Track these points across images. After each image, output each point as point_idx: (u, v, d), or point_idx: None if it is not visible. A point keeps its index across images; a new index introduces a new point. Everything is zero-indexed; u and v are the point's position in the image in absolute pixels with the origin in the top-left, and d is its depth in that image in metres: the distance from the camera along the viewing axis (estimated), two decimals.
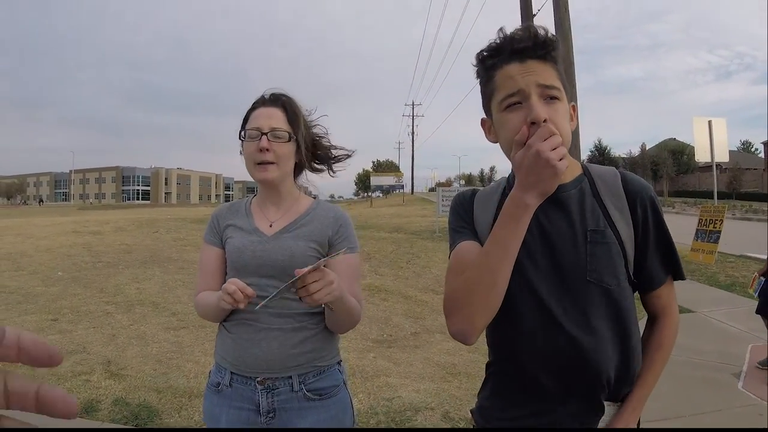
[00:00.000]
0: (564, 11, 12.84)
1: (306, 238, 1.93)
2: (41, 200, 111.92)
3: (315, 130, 2.08)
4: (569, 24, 12.90)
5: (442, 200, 18.89)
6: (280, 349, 1.85)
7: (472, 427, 1.67)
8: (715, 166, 10.80)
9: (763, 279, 5.54)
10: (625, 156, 70.54)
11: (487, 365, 1.66)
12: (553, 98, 1.36)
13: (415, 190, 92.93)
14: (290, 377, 1.88)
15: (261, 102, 2.00)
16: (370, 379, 5.05)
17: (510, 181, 1.57)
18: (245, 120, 2.00)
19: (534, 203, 1.32)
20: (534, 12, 14.25)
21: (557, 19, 12.93)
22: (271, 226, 1.97)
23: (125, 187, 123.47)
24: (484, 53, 1.45)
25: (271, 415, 1.88)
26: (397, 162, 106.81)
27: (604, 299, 1.41)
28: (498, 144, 1.50)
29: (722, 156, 10.54)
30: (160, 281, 9.32)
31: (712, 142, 10.36)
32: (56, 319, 6.85)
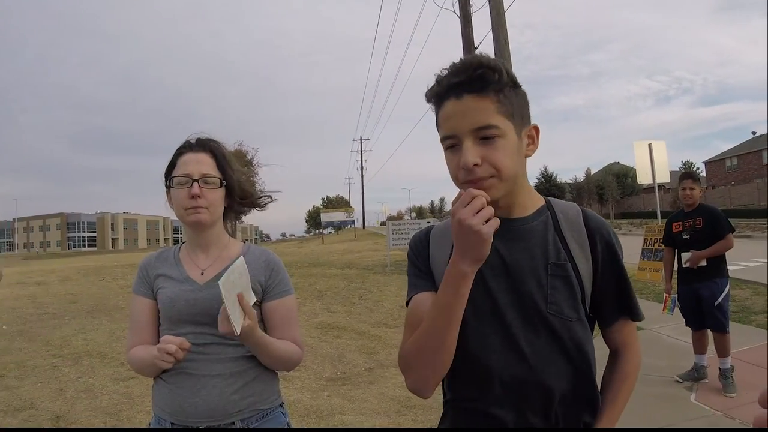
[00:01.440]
0: (504, 43, 13.14)
1: None
2: None
3: (239, 176, 2.06)
4: (509, 56, 13.22)
5: (393, 234, 19.00)
6: (221, 396, 1.82)
7: None
8: (656, 187, 11.09)
9: (675, 296, 5.86)
10: (570, 181, 71.99)
11: (445, 401, 1.62)
12: (489, 137, 1.34)
13: (366, 225, 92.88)
14: (233, 423, 1.85)
15: (188, 147, 1.98)
16: (325, 418, 5.04)
17: None
18: (171, 165, 1.97)
19: (470, 270, 1.30)
20: (476, 45, 14.61)
21: (497, 50, 13.24)
22: (202, 273, 1.95)
23: (71, 234, 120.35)
24: (428, 88, 1.44)
25: None
26: (347, 197, 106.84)
27: (564, 332, 1.42)
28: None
29: (663, 177, 10.83)
30: (108, 330, 9.13)
31: (653, 164, 10.65)
32: (2, 375, 6.66)
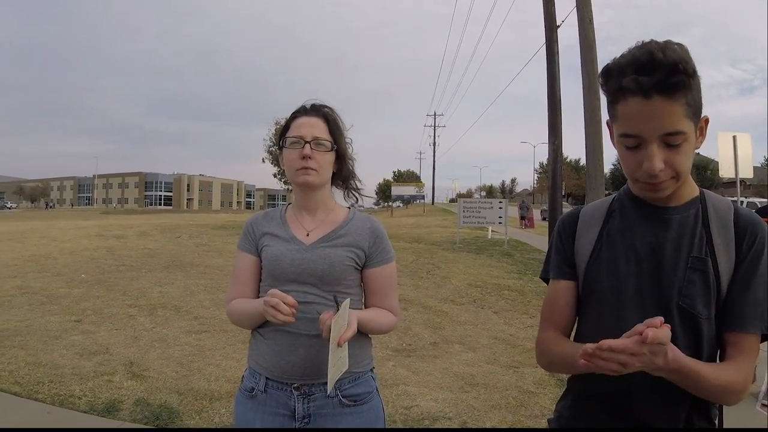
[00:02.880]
0: (588, 23, 12.82)
1: (344, 247, 1.95)
2: (49, 205, 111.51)
3: (349, 151, 2.10)
4: (594, 35, 12.87)
5: (463, 211, 18.89)
6: (317, 355, 1.85)
7: None
8: (738, 182, 10.63)
9: None
10: None
11: (569, 378, 1.67)
12: (674, 145, 1.32)
13: (435, 201, 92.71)
14: (326, 383, 1.83)
15: (302, 111, 2.01)
16: (389, 387, 5.06)
17: (620, 199, 1.59)
18: (285, 128, 2.02)
19: None
20: (558, 24, 14.27)
21: (581, 30, 12.92)
22: (308, 235, 1.98)
23: (148, 193, 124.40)
24: (609, 70, 1.37)
25: (306, 420, 1.89)
26: (418, 172, 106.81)
27: (691, 327, 1.40)
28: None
29: (746, 172, 10.38)
30: (183, 285, 9.41)
31: (737, 158, 10.20)
32: (79, 320, 6.96)
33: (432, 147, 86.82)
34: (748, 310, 1.37)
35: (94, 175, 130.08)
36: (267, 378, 1.91)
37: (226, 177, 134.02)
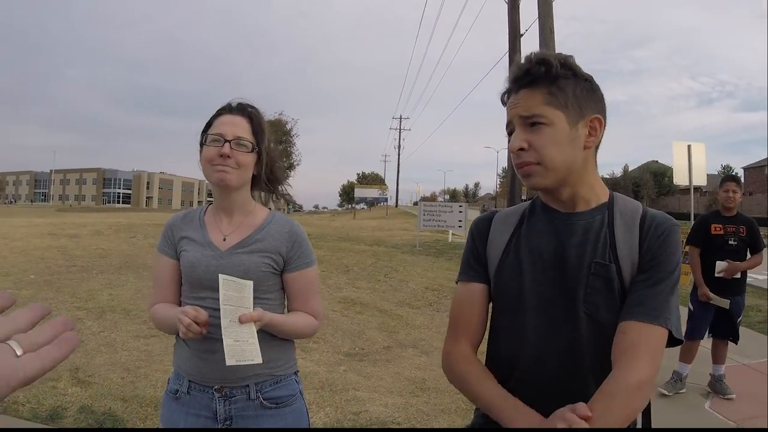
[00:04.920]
0: (549, 33, 13.02)
1: (260, 253, 1.94)
2: (10, 201, 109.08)
3: (273, 153, 2.09)
4: (554, 45, 13.06)
5: (424, 215, 19.00)
6: None
7: None
8: (692, 189, 10.87)
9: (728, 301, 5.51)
10: (608, 176, 71.36)
11: None
12: (536, 124, 1.43)
13: (399, 203, 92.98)
14: (247, 386, 1.91)
15: (227, 109, 2.01)
16: (339, 392, 5.05)
17: (532, 205, 1.64)
18: (208, 125, 2.01)
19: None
20: (522, 32, 14.46)
21: (542, 40, 13.10)
22: (225, 240, 1.97)
23: (106, 190, 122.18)
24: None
25: (228, 422, 1.92)
26: (382, 175, 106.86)
27: (597, 334, 1.42)
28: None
29: (700, 179, 10.62)
30: (134, 288, 9.25)
31: (691, 166, 10.44)
32: None
33: (397, 150, 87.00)
34: (646, 303, 1.37)
35: (51, 170, 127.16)
36: (190, 381, 1.94)
37: (188, 175, 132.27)
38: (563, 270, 1.46)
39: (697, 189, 10.49)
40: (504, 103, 1.53)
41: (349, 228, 30.10)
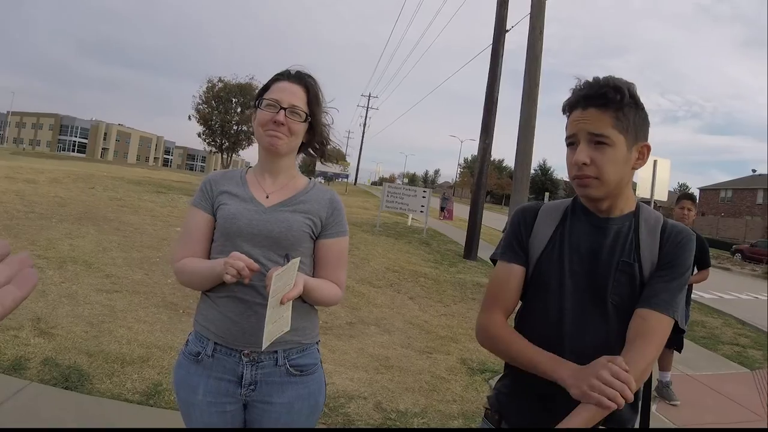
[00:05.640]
0: (538, 34, 13.10)
1: (303, 214, 1.95)
2: None
3: (324, 120, 2.09)
4: (541, 47, 13.14)
5: (387, 196, 19.04)
6: None
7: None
8: (653, 203, 11.01)
9: None
10: (567, 180, 72.41)
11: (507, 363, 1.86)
12: (601, 143, 1.60)
13: (358, 182, 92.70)
14: (276, 352, 1.91)
15: (285, 76, 2.00)
16: None
17: (573, 205, 1.82)
18: (265, 88, 2.00)
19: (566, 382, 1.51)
20: (508, 28, 14.50)
21: (530, 40, 13.19)
22: (267, 197, 1.97)
23: (62, 137, 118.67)
24: (568, 98, 1.69)
25: (252, 387, 1.92)
26: (344, 151, 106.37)
27: (621, 319, 1.63)
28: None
29: (661, 195, 10.75)
30: (95, 240, 9.10)
31: (654, 180, 10.57)
32: None
33: (362, 128, 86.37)
34: (660, 295, 1.61)
35: (8, 112, 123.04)
36: (216, 343, 1.91)
37: (146, 130, 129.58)
38: (596, 265, 1.68)
39: (655, 203, 10.65)
40: (565, 112, 1.70)
41: None
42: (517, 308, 1.87)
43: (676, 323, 1.61)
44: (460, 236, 17.80)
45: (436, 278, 10.78)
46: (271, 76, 2.03)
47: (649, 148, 1.69)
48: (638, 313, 1.60)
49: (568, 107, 1.68)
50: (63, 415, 3.61)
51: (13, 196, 12.18)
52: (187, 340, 2.02)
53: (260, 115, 1.94)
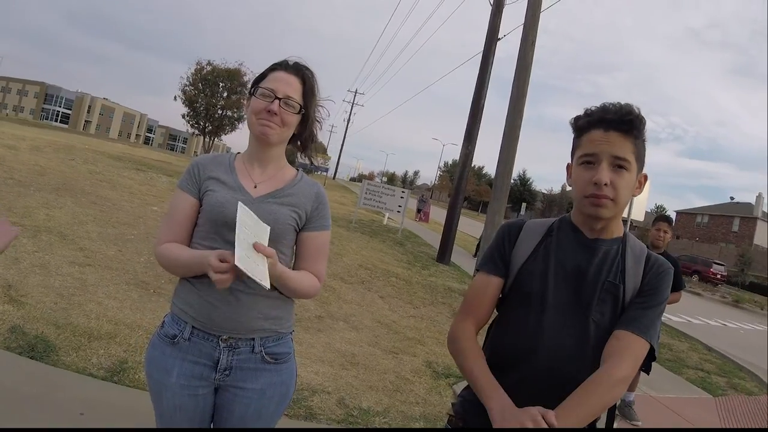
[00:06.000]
0: (530, 45, 13.18)
1: (290, 207, 1.97)
2: None
3: (317, 115, 2.11)
4: (532, 58, 13.22)
5: (366, 193, 19.08)
6: (249, 312, 1.90)
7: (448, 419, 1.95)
8: (629, 223, 11.11)
9: None
10: (545, 191, 72.54)
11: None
12: (621, 167, 1.65)
13: (337, 177, 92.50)
14: (253, 339, 1.94)
15: (283, 66, 2.01)
16: None
17: (560, 223, 1.87)
18: (261, 77, 2.01)
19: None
20: (499, 37, 14.58)
21: (522, 51, 13.26)
22: (255, 187, 1.98)
23: (46, 106, 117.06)
24: (580, 116, 1.75)
25: (227, 372, 1.94)
26: (326, 144, 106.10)
27: (600, 337, 1.69)
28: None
29: (639, 214, 10.78)
30: (71, 212, 9.04)
31: (633, 200, 10.68)
32: None
33: (345, 123, 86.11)
34: (640, 320, 1.67)
35: None
36: (194, 327, 1.92)
37: (130, 107, 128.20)
38: (581, 282, 1.73)
39: (631, 223, 10.71)
40: (579, 129, 1.76)
41: None
42: (493, 317, 1.92)
43: (651, 350, 1.67)
44: (435, 239, 17.92)
45: (407, 279, 10.85)
46: (269, 65, 2.04)
47: (646, 178, 1.79)
48: (616, 334, 1.66)
49: (587, 126, 1.72)
50: (24, 385, 3.61)
51: None
52: (163, 321, 2.03)
53: (254, 103, 1.95)
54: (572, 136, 1.79)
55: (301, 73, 2.01)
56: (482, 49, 15.07)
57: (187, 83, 52.38)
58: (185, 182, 2.00)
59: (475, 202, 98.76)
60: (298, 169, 2.15)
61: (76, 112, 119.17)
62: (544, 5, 13.25)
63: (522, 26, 13.31)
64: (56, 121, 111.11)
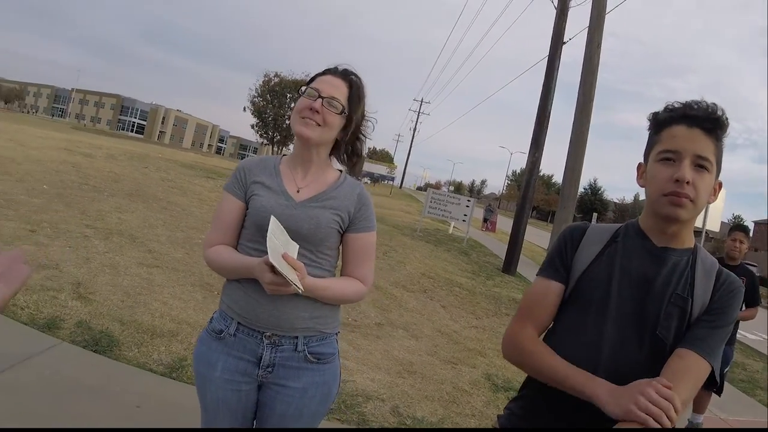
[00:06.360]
0: (596, 47, 12.97)
1: (332, 210, 1.98)
2: (29, 111, 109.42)
3: (363, 128, 2.12)
4: (598, 60, 12.98)
5: (431, 202, 19.00)
6: (293, 311, 1.92)
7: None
8: (704, 233, 10.68)
9: None
10: (617, 201, 70.85)
11: (529, 379, 1.82)
12: (702, 167, 1.55)
13: (403, 185, 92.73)
14: (296, 337, 1.96)
15: (331, 71, 2.04)
16: None
17: (626, 229, 1.75)
18: (311, 80, 2.04)
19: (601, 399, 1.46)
20: (565, 40, 14.33)
21: (587, 53, 13.04)
22: (298, 191, 2.00)
23: (122, 117, 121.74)
24: (660, 110, 1.65)
25: (269, 369, 1.96)
26: (392, 153, 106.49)
27: (659, 354, 1.56)
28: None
29: (714, 224, 10.43)
30: (142, 216, 9.32)
31: (708, 210, 10.27)
32: (34, 231, 6.85)
33: (411, 132, 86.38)
34: (706, 340, 1.55)
35: (72, 89, 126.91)
36: (239, 323, 1.96)
37: (203, 117, 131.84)
38: (647, 292, 1.61)
39: (707, 233, 10.32)
40: (659, 123, 1.65)
41: None
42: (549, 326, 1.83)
43: (711, 372, 1.55)
44: (501, 249, 17.68)
45: (471, 289, 10.73)
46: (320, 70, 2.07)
47: (721, 185, 1.68)
48: (679, 352, 1.54)
49: (669, 120, 1.61)
50: (86, 376, 3.73)
51: (70, 167, 12.54)
52: (212, 317, 2.08)
53: (299, 102, 1.99)
54: (645, 140, 1.71)
55: (348, 78, 2.04)
56: (547, 53, 14.84)
57: (256, 94, 53.64)
58: (232, 185, 2.06)
59: (544, 212, 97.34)
60: (341, 171, 2.15)
61: (151, 123, 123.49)
62: (609, 5, 13.00)
63: (587, 29, 13.10)
64: (132, 131, 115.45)
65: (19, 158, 12.07)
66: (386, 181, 64.30)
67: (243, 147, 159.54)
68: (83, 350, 4.05)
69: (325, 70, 2.06)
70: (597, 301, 1.65)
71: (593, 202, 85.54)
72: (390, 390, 4.77)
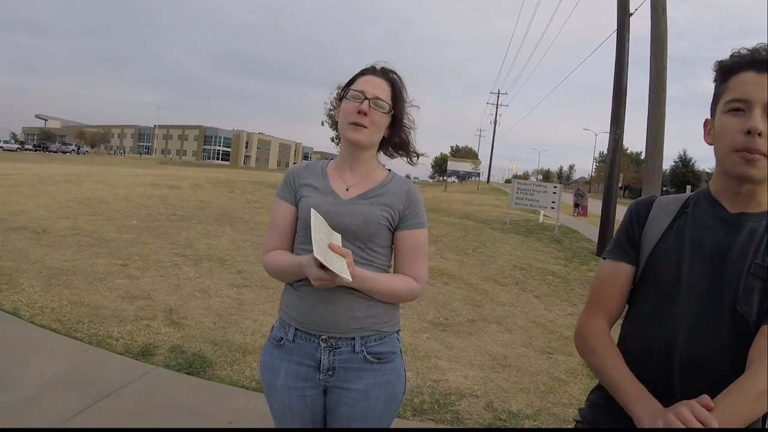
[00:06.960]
0: (661, 13, 12.48)
1: (381, 206, 1.98)
2: (118, 152, 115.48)
3: (407, 120, 2.12)
4: (665, 26, 12.51)
5: (517, 192, 18.71)
6: (347, 311, 1.91)
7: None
8: None
9: None
10: (710, 171, 68.09)
11: None
12: None
13: (491, 180, 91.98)
14: (353, 338, 1.94)
15: (371, 71, 2.05)
16: (421, 359, 5.07)
17: (697, 197, 1.61)
18: (350, 82, 2.04)
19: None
20: (631, 12, 13.86)
21: (653, 20, 12.56)
22: (347, 190, 2.01)
23: (206, 147, 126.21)
24: (722, 61, 1.49)
25: (330, 372, 1.95)
26: (475, 149, 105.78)
27: (743, 332, 1.39)
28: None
29: None
30: (230, 239, 9.55)
31: None
32: (125, 265, 7.13)
33: (492, 125, 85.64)
34: None
35: (155, 126, 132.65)
36: (296, 329, 1.98)
37: (285, 137, 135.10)
38: (722, 265, 1.45)
39: None
40: (725, 71, 1.49)
41: (439, 199, 29.97)
42: (625, 310, 1.69)
43: None
44: (594, 233, 17.18)
45: (564, 276, 10.46)
46: (358, 71, 2.07)
47: None
48: (764, 330, 1.35)
49: (737, 67, 1.45)
50: (179, 398, 3.85)
51: (157, 201, 13.00)
52: (273, 326, 2.11)
53: (345, 105, 1.99)
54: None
55: (389, 76, 2.05)
56: (616, 27, 14.37)
57: (332, 107, 54.31)
58: (283, 191, 2.09)
59: (636, 191, 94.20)
60: (389, 170, 2.15)
61: (235, 149, 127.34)
62: None
63: None
64: (217, 159, 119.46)
65: (107, 198, 12.61)
66: (473, 178, 63.75)
67: None
68: (177, 373, 4.18)
69: (363, 70, 2.06)
70: (668, 281, 1.51)
71: (686, 175, 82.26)
72: (484, 386, 4.69)
